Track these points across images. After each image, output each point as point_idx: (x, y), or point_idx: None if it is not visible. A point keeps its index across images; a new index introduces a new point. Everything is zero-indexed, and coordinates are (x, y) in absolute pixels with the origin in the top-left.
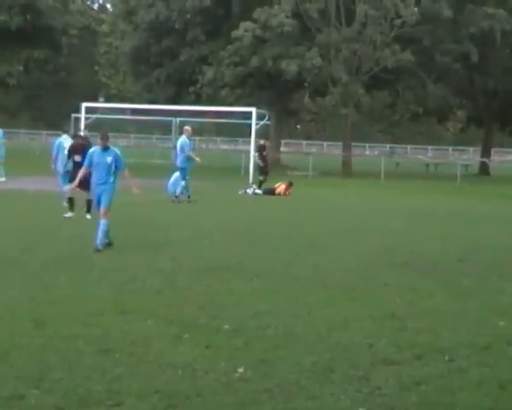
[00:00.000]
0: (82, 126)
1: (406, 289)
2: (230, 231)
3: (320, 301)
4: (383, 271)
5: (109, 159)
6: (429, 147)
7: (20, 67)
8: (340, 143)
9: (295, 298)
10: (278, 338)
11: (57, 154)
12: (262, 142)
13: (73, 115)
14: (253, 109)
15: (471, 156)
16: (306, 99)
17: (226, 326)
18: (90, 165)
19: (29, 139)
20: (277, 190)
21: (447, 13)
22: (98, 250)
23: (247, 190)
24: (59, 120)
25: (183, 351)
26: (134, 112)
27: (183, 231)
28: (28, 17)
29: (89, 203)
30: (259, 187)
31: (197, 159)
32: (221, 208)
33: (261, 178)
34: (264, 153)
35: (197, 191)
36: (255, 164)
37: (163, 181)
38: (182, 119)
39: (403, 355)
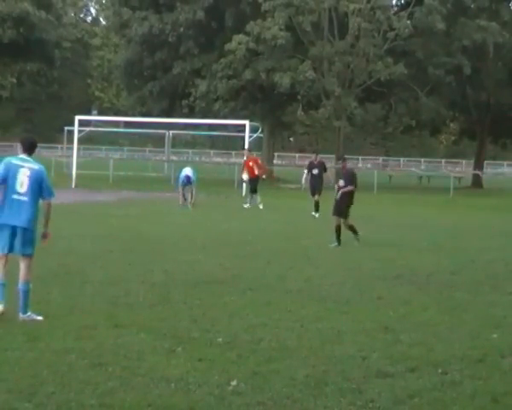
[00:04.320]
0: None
1: (399, 303)
2: (224, 244)
3: (313, 314)
4: (376, 284)
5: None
6: (422, 159)
7: (14, 80)
8: (333, 156)
9: (289, 311)
10: (271, 351)
11: None
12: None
13: (66, 128)
14: (247, 122)
15: (464, 169)
16: (299, 112)
17: (219, 339)
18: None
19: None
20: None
21: (440, 26)
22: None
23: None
24: (52, 133)
25: (176, 364)
26: (127, 125)
27: (177, 244)
28: (21, 30)
29: None
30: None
31: None
32: (215, 221)
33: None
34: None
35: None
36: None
37: (156, 194)
38: (175, 131)
39: (396, 368)
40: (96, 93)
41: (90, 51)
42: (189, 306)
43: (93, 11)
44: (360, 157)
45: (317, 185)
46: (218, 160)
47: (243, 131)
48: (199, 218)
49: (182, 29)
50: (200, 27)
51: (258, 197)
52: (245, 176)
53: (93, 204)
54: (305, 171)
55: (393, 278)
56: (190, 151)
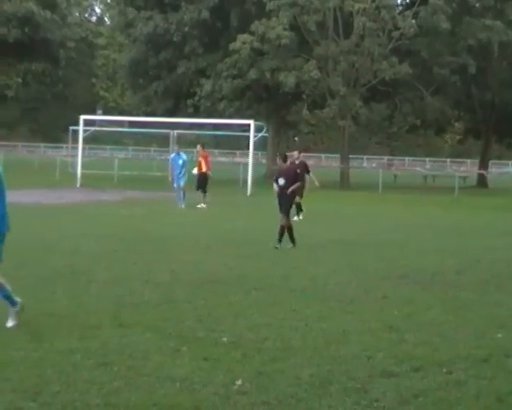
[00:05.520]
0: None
1: (404, 302)
2: (228, 244)
3: (318, 313)
4: (381, 283)
5: None
6: (427, 159)
7: (19, 80)
8: (338, 155)
9: (293, 311)
10: (276, 351)
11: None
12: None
13: (71, 128)
14: (251, 122)
15: (469, 168)
16: (304, 111)
17: (224, 339)
18: None
19: (27, 152)
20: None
21: (445, 25)
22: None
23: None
24: (57, 133)
25: (181, 364)
26: (132, 124)
27: (182, 243)
28: (26, 30)
29: None
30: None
31: None
32: (219, 221)
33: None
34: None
35: (195, 203)
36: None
37: (161, 193)
38: (179, 131)
39: (401, 368)
40: (101, 93)
41: (95, 51)
42: (194, 305)
43: (98, 11)
44: (365, 156)
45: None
46: (223, 159)
47: (248, 130)
48: (203, 217)
49: (187, 29)
50: (205, 27)
51: (205, 197)
52: (195, 171)
53: (98, 204)
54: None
55: (398, 277)
56: (195, 150)
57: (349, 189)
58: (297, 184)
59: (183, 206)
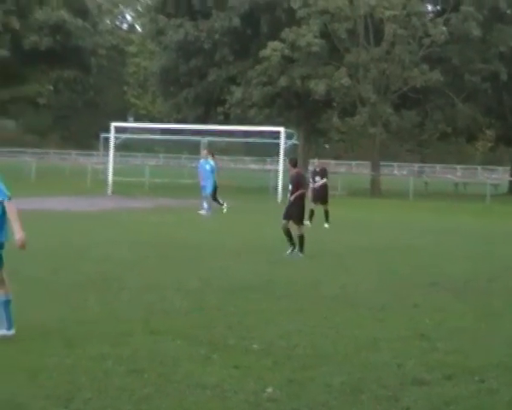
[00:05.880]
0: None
1: (435, 309)
2: (259, 251)
3: (348, 320)
4: (412, 291)
5: None
6: (458, 166)
7: (51, 87)
8: (369, 163)
9: (324, 318)
10: (307, 358)
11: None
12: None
13: (103, 135)
14: (282, 129)
15: (500, 176)
16: (335, 119)
17: (255, 346)
18: None
19: (59, 159)
20: None
21: (476, 32)
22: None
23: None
24: (89, 140)
25: (211, 371)
26: (163, 132)
27: (212, 250)
28: (58, 38)
29: None
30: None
31: None
32: (249, 228)
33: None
34: None
35: (222, 210)
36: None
37: (191, 201)
38: (210, 138)
39: (432, 375)
40: (132, 100)
41: (126, 58)
42: (225, 312)
43: (129, 18)
44: (396, 164)
45: (320, 194)
46: (253, 166)
47: (278, 137)
48: (233, 224)
49: (217, 36)
50: (236, 34)
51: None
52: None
53: (129, 211)
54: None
55: (429, 284)
56: (226, 158)
57: (380, 196)
58: (299, 192)
59: (208, 212)
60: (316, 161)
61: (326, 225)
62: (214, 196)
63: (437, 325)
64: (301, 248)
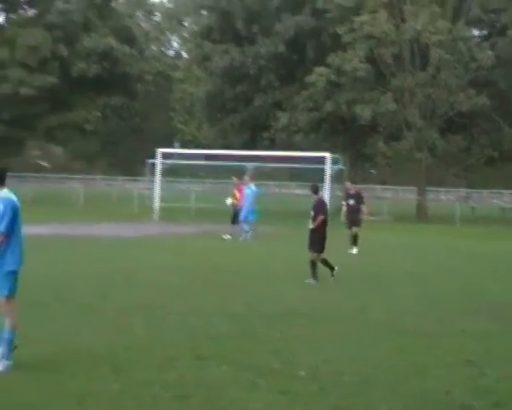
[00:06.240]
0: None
1: (483, 336)
2: (303, 276)
3: (395, 347)
4: (459, 317)
5: None
6: (505, 191)
7: (98, 114)
8: (415, 188)
9: (369, 343)
10: (353, 385)
11: None
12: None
13: (149, 161)
14: (327, 154)
15: None
16: (381, 144)
17: (301, 372)
18: None
19: (106, 185)
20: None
21: None
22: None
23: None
24: (135, 166)
25: (257, 397)
26: (208, 157)
27: (257, 275)
28: (105, 65)
29: None
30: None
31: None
32: (293, 252)
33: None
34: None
35: (270, 235)
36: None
37: (237, 226)
38: (256, 164)
39: (480, 402)
40: (179, 126)
41: (173, 84)
42: (270, 338)
43: (175, 45)
44: (442, 189)
45: (353, 217)
46: (299, 192)
47: (324, 163)
48: (278, 249)
49: (263, 62)
50: (281, 60)
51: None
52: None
53: (175, 236)
54: (343, 202)
55: (477, 310)
56: (272, 183)
57: (426, 221)
58: (320, 218)
59: (248, 238)
60: (348, 183)
61: (354, 251)
62: (234, 219)
63: (485, 352)
64: (313, 274)
